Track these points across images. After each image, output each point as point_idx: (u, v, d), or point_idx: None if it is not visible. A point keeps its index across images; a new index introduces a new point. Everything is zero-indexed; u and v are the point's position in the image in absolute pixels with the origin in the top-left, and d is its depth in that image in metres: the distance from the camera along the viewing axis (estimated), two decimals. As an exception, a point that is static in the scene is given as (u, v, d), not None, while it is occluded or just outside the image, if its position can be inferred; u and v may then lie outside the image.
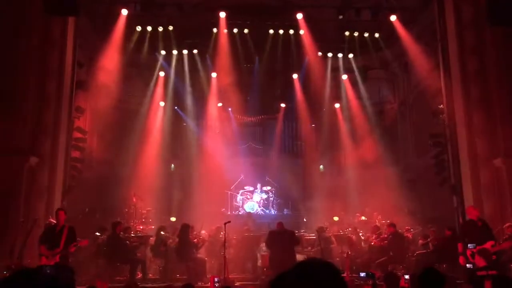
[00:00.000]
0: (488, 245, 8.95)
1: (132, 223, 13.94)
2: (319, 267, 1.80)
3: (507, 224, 10.48)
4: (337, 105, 18.60)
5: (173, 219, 15.46)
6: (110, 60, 15.00)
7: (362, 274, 7.05)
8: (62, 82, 12.68)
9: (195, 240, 11.85)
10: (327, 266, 1.81)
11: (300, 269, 1.80)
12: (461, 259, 9.30)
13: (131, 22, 15.42)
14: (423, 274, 3.84)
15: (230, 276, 10.65)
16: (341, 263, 11.65)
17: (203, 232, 13.17)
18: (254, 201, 18.42)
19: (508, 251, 10.12)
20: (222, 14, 15.69)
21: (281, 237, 11.45)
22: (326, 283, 1.74)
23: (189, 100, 17.84)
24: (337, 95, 18.44)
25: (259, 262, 12.44)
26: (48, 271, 5.79)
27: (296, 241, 11.66)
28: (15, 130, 11.44)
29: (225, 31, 16.23)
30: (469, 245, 9.08)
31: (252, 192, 18.62)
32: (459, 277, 9.57)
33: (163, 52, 16.97)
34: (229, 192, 18.30)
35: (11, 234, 10.27)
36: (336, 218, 15.64)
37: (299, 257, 10.95)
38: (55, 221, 10.71)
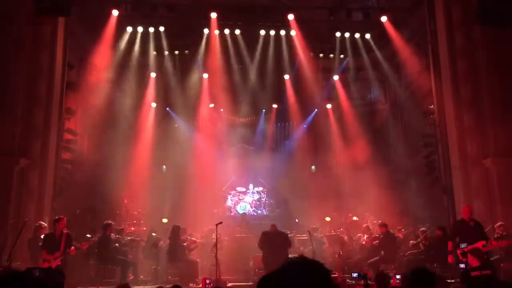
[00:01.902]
0: (479, 244, 9.01)
1: (123, 225, 13.88)
2: (307, 266, 1.79)
3: (498, 224, 10.57)
4: (328, 106, 18.64)
5: (164, 220, 15.42)
6: (101, 61, 14.92)
7: (355, 275, 7.06)
8: (52, 83, 12.60)
9: (185, 243, 11.83)
10: (315, 265, 1.81)
11: (288, 268, 1.79)
12: (449, 258, 9.38)
13: (122, 22, 15.35)
14: (414, 274, 3.85)
15: (222, 277, 10.64)
16: (333, 264, 11.70)
17: (194, 233, 13.16)
18: (246, 202, 18.40)
19: (499, 251, 10.21)
20: (213, 15, 15.65)
21: (275, 239, 11.47)
22: (314, 282, 1.74)
23: (180, 101, 17.78)
24: (328, 95, 18.48)
25: (251, 263, 12.45)
26: (37, 273, 5.74)
27: (289, 244, 11.69)
28: (5, 131, 11.35)
29: (216, 32, 16.19)
30: (461, 244, 9.15)
31: (244, 193, 18.60)
32: (450, 277, 9.63)
33: (154, 53, 16.91)
34: (221, 193, 18.27)
35: (1, 236, 10.18)
36: (328, 219, 15.69)
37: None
38: (45, 224, 10.74)
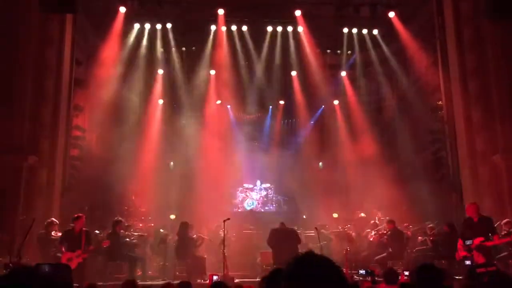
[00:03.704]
0: (477, 240, 9.05)
1: (131, 221, 13.93)
2: (317, 262, 1.79)
3: (504, 221, 10.48)
4: (336, 102, 18.59)
5: (172, 217, 15.46)
6: (108, 58, 14.97)
7: (362, 271, 7.06)
8: (60, 80, 12.66)
9: (195, 236, 11.88)
10: (325, 260, 1.81)
11: (298, 264, 1.79)
12: (456, 255, 9.45)
13: (129, 19, 15.40)
14: (421, 270, 3.84)
15: (229, 273, 10.67)
16: (341, 260, 11.68)
17: (202, 230, 13.21)
18: (253, 198, 18.41)
19: (508, 247, 10.14)
20: (221, 11, 15.66)
21: (284, 236, 11.48)
22: (324, 277, 1.74)
23: (187, 98, 17.81)
24: (335, 92, 18.42)
25: (259, 259, 12.47)
26: (46, 269, 5.79)
27: (299, 240, 11.69)
28: (14, 128, 11.42)
29: (224, 28, 16.20)
30: (466, 241, 9.17)
31: (251, 189, 18.59)
32: (457, 273, 9.59)
33: (161, 49, 16.95)
34: (228, 190, 18.27)
35: (10, 233, 10.27)
36: (335, 215, 15.65)
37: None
38: (57, 221, 10.87)
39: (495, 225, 10.04)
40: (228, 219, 11.27)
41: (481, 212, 9.65)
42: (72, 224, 10.31)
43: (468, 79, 12.46)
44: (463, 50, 12.63)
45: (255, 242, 13.04)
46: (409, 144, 17.47)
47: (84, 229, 10.15)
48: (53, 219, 11.01)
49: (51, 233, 10.65)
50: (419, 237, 12.37)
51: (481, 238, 9.07)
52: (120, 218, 11.68)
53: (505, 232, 10.11)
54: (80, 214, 10.37)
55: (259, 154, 18.51)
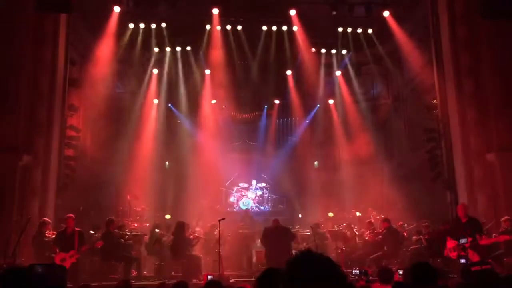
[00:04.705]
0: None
1: (126, 221, 13.89)
2: (317, 261, 1.79)
3: (504, 218, 10.51)
4: (331, 101, 18.60)
5: (168, 216, 15.44)
6: (103, 58, 14.91)
7: (355, 271, 7.07)
8: (55, 79, 12.60)
9: (191, 236, 11.87)
10: (325, 259, 1.80)
11: (298, 264, 1.79)
12: (445, 252, 9.68)
13: (123, 19, 15.34)
14: (415, 269, 3.85)
15: (225, 273, 10.66)
16: (336, 259, 11.70)
17: (197, 229, 13.20)
18: (249, 197, 18.40)
19: (502, 245, 10.19)
20: (215, 11, 15.64)
21: (277, 234, 11.48)
22: (325, 276, 1.74)
23: (183, 97, 17.78)
24: (330, 91, 18.44)
25: (254, 259, 12.47)
26: (40, 270, 5.77)
27: (292, 237, 11.70)
28: (8, 128, 11.36)
29: (218, 27, 16.19)
30: (460, 240, 9.26)
31: (246, 189, 18.59)
32: (452, 272, 9.62)
33: (156, 49, 16.91)
34: (223, 189, 18.27)
35: (5, 233, 10.22)
36: (330, 214, 15.67)
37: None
38: (50, 221, 10.85)
39: (492, 224, 10.13)
40: (224, 218, 11.29)
41: (475, 211, 9.75)
42: (63, 225, 10.30)
43: (463, 78, 12.50)
44: (458, 49, 12.66)
45: (251, 241, 13.04)
46: (404, 142, 17.53)
47: (77, 229, 10.19)
48: (46, 219, 10.97)
49: (44, 233, 10.62)
50: (414, 236, 12.40)
51: (470, 239, 9.20)
52: (112, 218, 11.66)
53: (504, 229, 10.17)
54: (70, 215, 10.39)
55: (254, 153, 18.53)
